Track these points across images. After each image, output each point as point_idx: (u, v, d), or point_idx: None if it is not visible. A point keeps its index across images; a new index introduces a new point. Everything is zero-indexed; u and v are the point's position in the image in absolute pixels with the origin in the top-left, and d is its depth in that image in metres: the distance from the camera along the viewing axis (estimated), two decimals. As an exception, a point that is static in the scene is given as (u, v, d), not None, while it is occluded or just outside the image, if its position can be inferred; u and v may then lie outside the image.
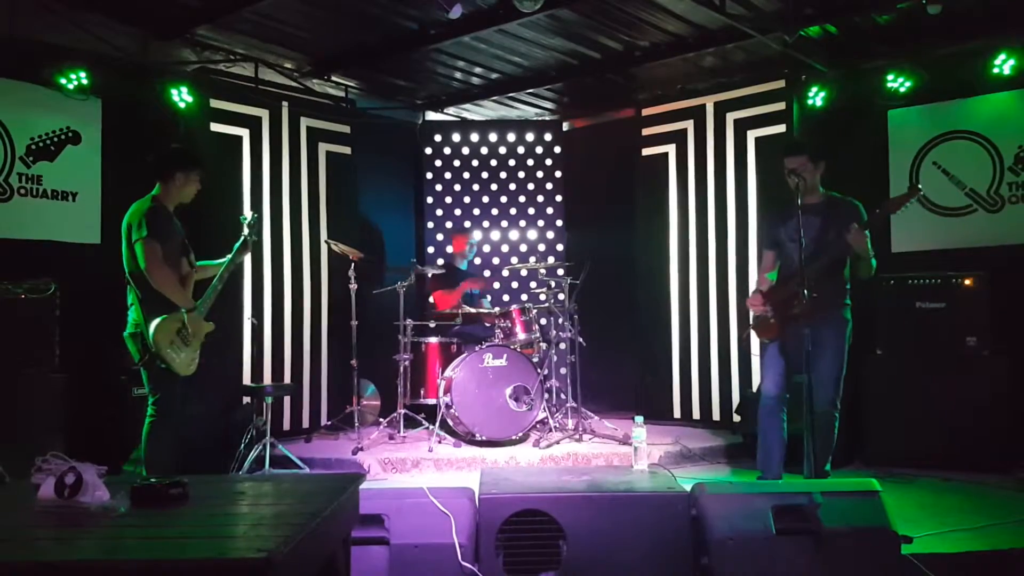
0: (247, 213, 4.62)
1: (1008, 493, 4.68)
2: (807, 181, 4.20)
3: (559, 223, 7.77)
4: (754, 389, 4.46)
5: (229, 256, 4.38)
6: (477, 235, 7.43)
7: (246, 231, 4.49)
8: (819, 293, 4.01)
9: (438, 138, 7.73)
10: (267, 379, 6.21)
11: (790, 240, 4.37)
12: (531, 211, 7.76)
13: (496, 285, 7.55)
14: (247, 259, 6.04)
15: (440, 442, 5.68)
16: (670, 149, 6.91)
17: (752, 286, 6.39)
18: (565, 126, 7.97)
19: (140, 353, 4.04)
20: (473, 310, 6.38)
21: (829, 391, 4.16)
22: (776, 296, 4.34)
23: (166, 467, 4.07)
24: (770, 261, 4.55)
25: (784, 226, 4.43)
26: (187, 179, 4.26)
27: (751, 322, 4.54)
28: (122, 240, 4.07)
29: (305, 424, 6.50)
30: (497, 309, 6.43)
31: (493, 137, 7.74)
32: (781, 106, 6.30)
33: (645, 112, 7.10)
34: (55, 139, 5.49)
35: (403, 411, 5.93)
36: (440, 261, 7.55)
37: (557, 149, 7.80)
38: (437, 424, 5.72)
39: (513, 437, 5.69)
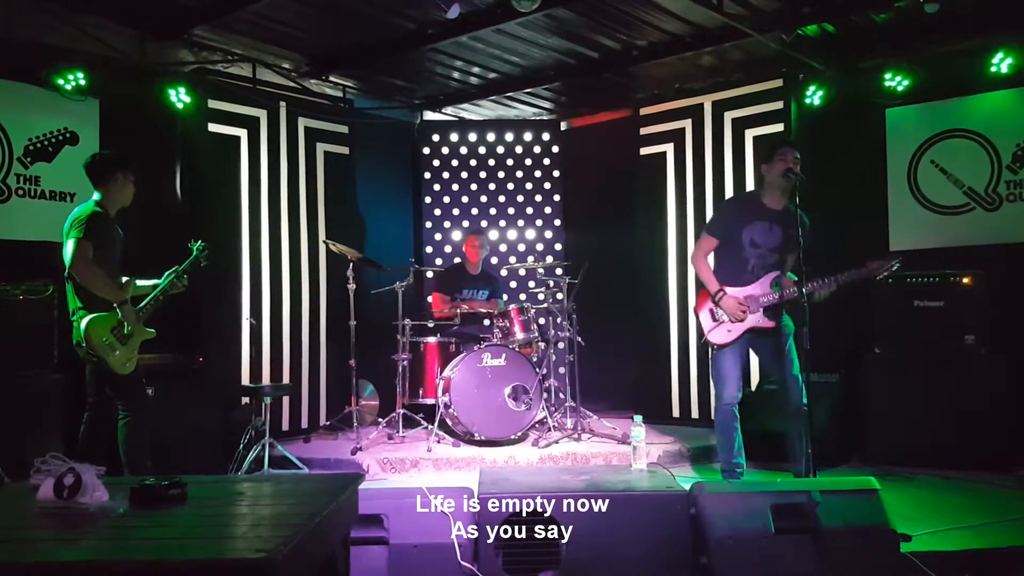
0: (199, 242, 4.54)
1: (1007, 491, 4.70)
2: (803, 179, 4.18)
3: (557, 223, 7.77)
4: (739, 389, 4.42)
5: (161, 282, 4.37)
6: (492, 235, 7.44)
7: (186, 262, 4.44)
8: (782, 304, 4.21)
9: (436, 138, 7.73)
10: (266, 379, 6.20)
11: (751, 244, 4.35)
12: (529, 211, 7.76)
13: (505, 295, 7.31)
14: (246, 259, 6.16)
15: (439, 442, 5.69)
16: (668, 148, 6.91)
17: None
18: (563, 126, 7.97)
19: (77, 347, 4.11)
20: (470, 309, 6.34)
21: (801, 386, 4.17)
22: (745, 305, 4.34)
23: (142, 467, 4.13)
24: (711, 247, 4.49)
25: (747, 226, 4.37)
26: (126, 180, 4.30)
27: (712, 324, 4.41)
28: (63, 241, 4.10)
29: (304, 424, 6.49)
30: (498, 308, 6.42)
31: (491, 137, 7.74)
32: (779, 105, 6.30)
33: (643, 111, 7.10)
34: (53, 140, 5.48)
35: (402, 411, 5.93)
36: (439, 261, 7.56)
37: (555, 149, 7.80)
38: (436, 424, 5.72)
39: (512, 437, 5.69)
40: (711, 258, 4.55)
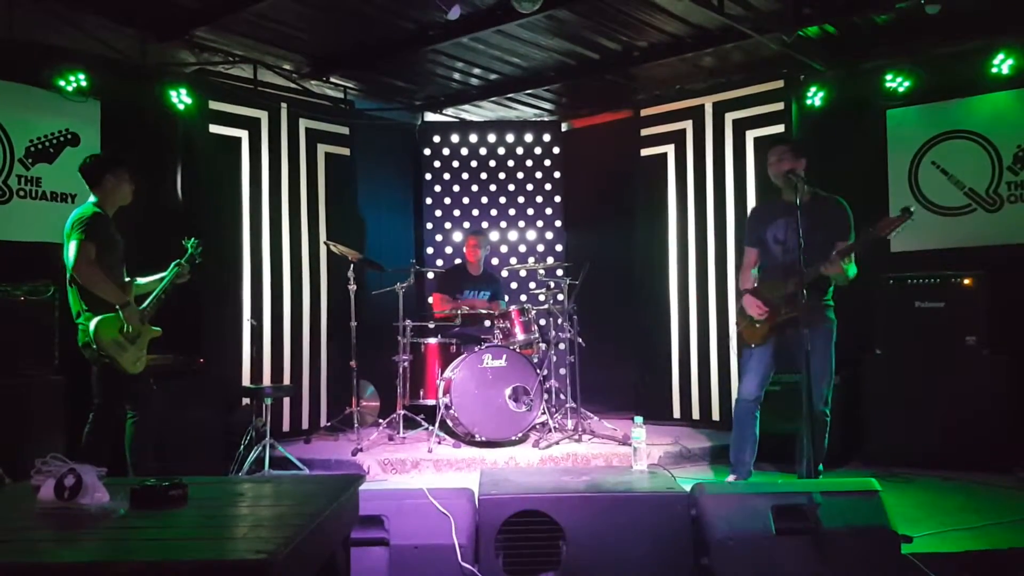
0: (192, 239, 4.56)
1: (1007, 492, 4.69)
2: (803, 179, 4.18)
3: (558, 224, 7.78)
4: (759, 388, 4.49)
5: (166, 275, 4.38)
6: (493, 236, 7.47)
7: (184, 258, 4.45)
8: (811, 296, 4.07)
9: (437, 139, 7.73)
10: (266, 380, 6.20)
11: (775, 242, 4.40)
12: (530, 212, 7.77)
13: (507, 296, 7.35)
14: (247, 260, 6.16)
15: (439, 443, 5.69)
16: (669, 149, 6.91)
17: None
18: (564, 127, 7.97)
19: (85, 349, 4.09)
20: (471, 310, 6.34)
21: (822, 391, 4.19)
22: (764, 299, 4.36)
23: (147, 466, 4.12)
24: (753, 259, 4.58)
25: (769, 226, 4.44)
26: (118, 180, 4.28)
27: (738, 326, 4.57)
28: (64, 243, 4.09)
29: (305, 425, 6.49)
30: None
31: (492, 138, 7.74)
32: (780, 106, 6.30)
33: (644, 112, 7.10)
34: (54, 141, 5.49)
35: (402, 412, 5.93)
36: (440, 262, 7.57)
37: (556, 150, 7.80)
38: (436, 425, 5.72)
39: (512, 438, 5.69)
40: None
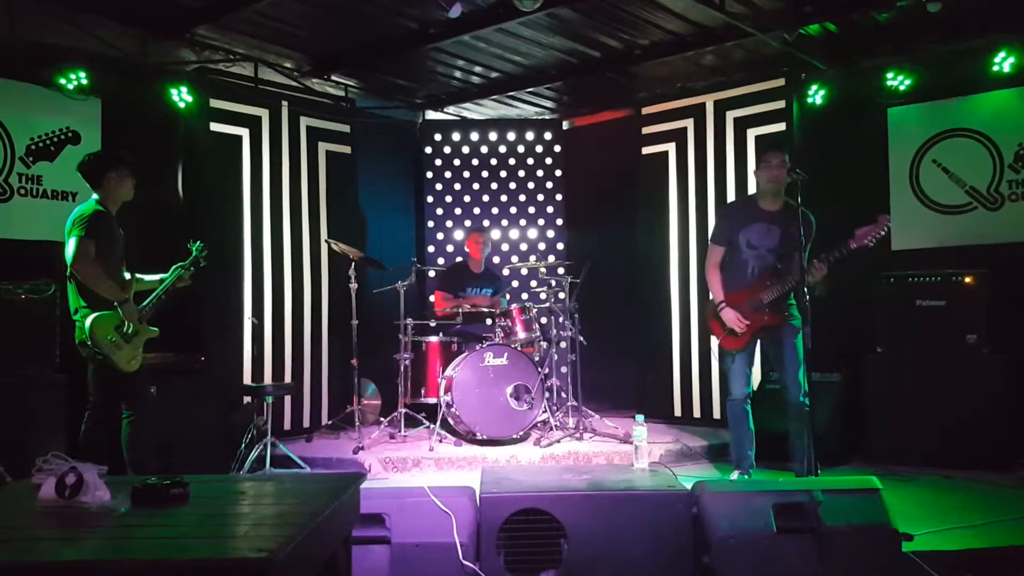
0: (197, 242, 4.58)
1: (1008, 491, 4.69)
2: (806, 177, 4.18)
3: (559, 222, 7.77)
4: (747, 386, 4.60)
5: (167, 277, 4.40)
6: (494, 234, 7.46)
7: (187, 261, 4.48)
8: (781, 299, 4.28)
9: (438, 137, 7.73)
10: (268, 379, 6.21)
11: (748, 246, 4.47)
12: (531, 210, 7.76)
13: (507, 295, 7.32)
14: (248, 258, 6.16)
15: (441, 441, 5.69)
16: (670, 148, 6.90)
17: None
18: (565, 125, 7.96)
19: (81, 346, 4.09)
20: (472, 307, 6.33)
21: (802, 384, 4.27)
22: (745, 312, 4.44)
23: (146, 466, 4.13)
24: (719, 257, 4.63)
25: (743, 229, 4.50)
26: (120, 177, 4.29)
27: (716, 335, 4.65)
28: (64, 240, 4.10)
29: (306, 424, 6.50)
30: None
31: (493, 136, 7.74)
32: (781, 104, 6.29)
33: (645, 111, 7.10)
34: (55, 139, 5.49)
35: (404, 410, 5.93)
36: (441, 260, 7.56)
37: (557, 148, 7.80)
38: (438, 423, 5.73)
39: (514, 436, 5.69)
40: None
